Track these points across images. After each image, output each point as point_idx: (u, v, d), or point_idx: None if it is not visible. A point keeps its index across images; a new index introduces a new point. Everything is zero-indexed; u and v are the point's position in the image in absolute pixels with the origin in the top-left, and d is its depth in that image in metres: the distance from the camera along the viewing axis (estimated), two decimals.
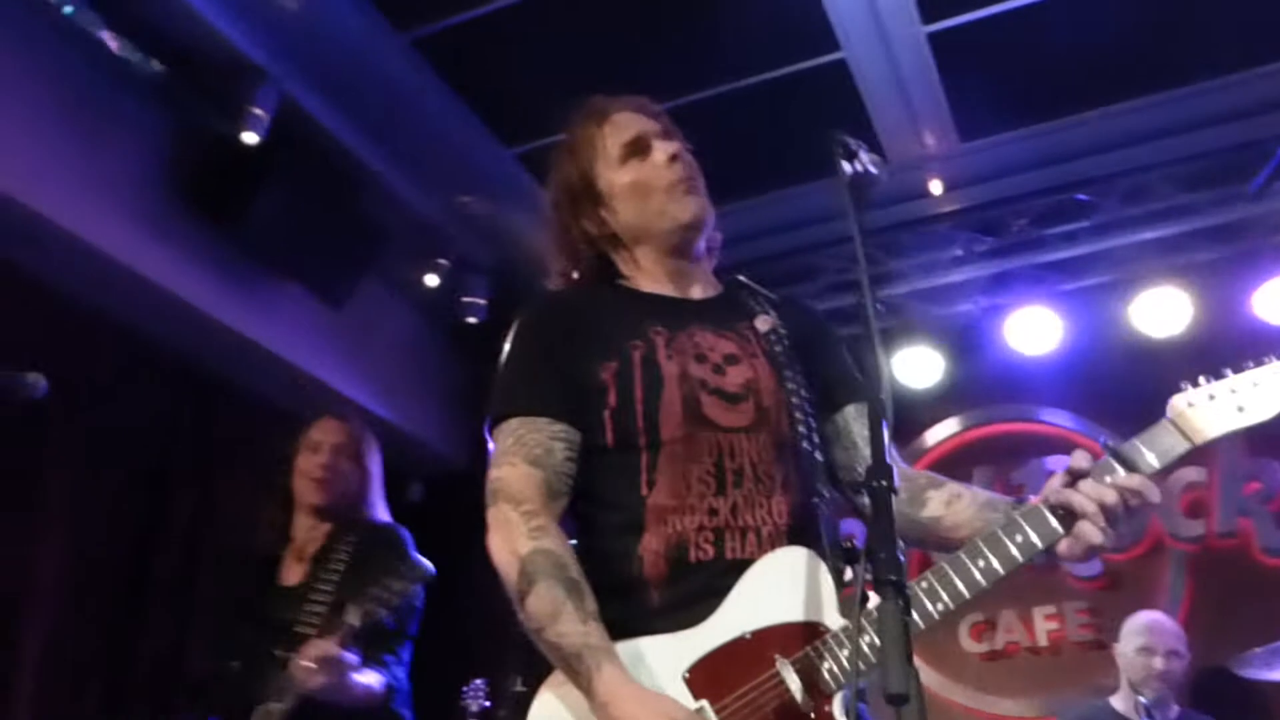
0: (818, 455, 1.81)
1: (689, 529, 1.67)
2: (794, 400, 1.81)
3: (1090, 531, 1.54)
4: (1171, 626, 4.04)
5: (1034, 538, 1.57)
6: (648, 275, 1.95)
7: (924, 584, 1.57)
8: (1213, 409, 1.57)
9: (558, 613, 1.57)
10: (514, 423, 1.76)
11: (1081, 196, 4.81)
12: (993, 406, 5.27)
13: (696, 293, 1.96)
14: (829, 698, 1.55)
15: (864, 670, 1.48)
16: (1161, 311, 4.71)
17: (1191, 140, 4.60)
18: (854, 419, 1.88)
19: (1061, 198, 4.85)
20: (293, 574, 3.05)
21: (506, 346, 1.88)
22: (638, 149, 1.94)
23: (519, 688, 4.57)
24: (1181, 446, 1.58)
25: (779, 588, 1.64)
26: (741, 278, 2.03)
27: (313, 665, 2.65)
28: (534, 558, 1.61)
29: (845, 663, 1.55)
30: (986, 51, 4.20)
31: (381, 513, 3.19)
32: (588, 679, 1.53)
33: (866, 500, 1.41)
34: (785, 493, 1.72)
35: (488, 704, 4.25)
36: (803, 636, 1.59)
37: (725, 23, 4.08)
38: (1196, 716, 3.93)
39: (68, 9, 3.87)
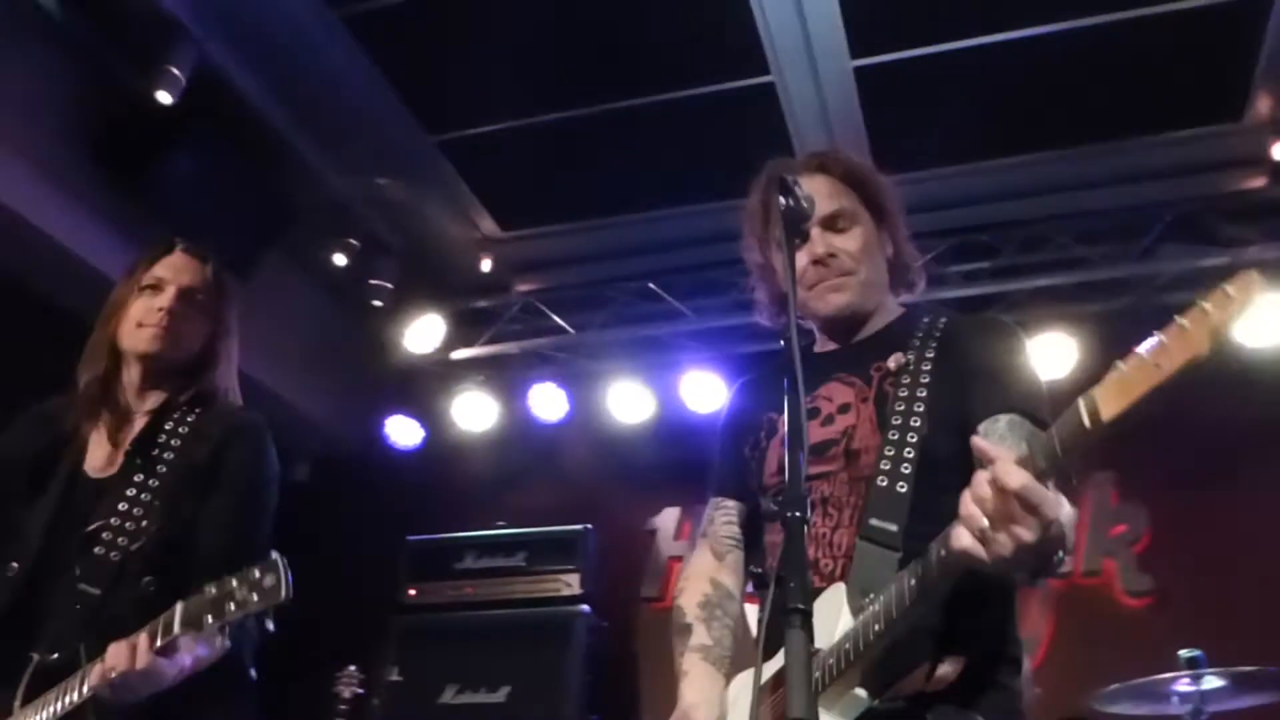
0: (900, 488, 1.70)
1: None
2: (890, 438, 1.75)
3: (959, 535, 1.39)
4: None
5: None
6: (820, 337, 2.04)
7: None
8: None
9: None
10: None
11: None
12: None
13: (860, 335, 1.99)
14: None
15: None
16: None
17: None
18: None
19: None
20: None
21: None
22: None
23: (394, 677, 4.53)
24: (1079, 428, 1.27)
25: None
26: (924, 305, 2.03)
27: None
28: None
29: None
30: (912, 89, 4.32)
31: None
32: None
33: None
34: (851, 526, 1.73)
35: (361, 691, 4.19)
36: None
37: (658, 31, 4.11)
38: None
39: None
